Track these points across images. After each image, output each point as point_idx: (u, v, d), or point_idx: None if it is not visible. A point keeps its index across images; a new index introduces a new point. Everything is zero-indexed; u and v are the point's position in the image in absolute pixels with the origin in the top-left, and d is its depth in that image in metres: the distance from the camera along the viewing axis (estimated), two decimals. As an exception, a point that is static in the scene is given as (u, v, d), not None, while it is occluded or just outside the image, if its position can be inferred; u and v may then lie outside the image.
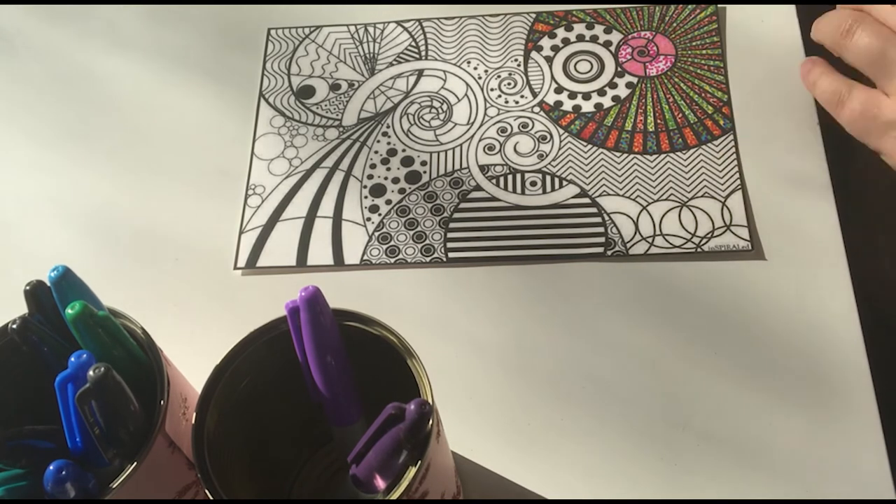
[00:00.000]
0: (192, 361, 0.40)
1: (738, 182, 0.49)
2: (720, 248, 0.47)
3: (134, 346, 0.36)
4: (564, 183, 0.50)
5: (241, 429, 0.37)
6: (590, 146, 0.51)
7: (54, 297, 0.35)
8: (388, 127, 0.54)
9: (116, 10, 0.61)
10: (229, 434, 0.35)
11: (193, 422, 0.34)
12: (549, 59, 0.55)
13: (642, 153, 0.51)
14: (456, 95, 0.54)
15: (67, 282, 0.35)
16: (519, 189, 0.50)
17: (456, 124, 0.53)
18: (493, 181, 0.51)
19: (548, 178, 0.50)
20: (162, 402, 0.34)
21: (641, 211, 0.49)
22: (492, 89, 0.54)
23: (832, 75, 0.47)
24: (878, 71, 0.44)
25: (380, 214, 0.50)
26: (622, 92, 0.53)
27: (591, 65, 0.55)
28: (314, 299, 0.33)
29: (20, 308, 0.36)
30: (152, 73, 0.58)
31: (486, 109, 0.54)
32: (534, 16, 0.57)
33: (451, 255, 0.49)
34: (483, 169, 0.51)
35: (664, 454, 0.42)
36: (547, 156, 0.51)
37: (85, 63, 0.59)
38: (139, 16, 0.61)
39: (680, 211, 0.48)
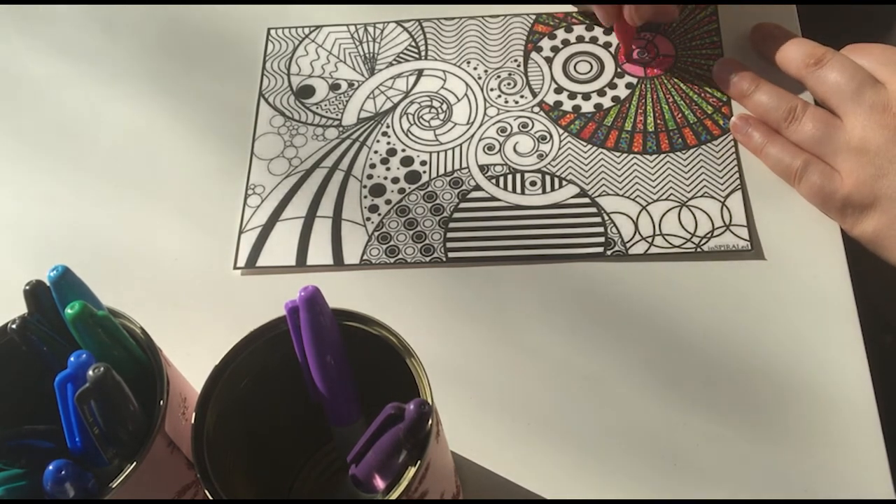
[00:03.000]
0: (192, 361, 0.40)
1: (738, 182, 0.49)
2: (720, 248, 0.47)
3: (134, 346, 0.36)
4: (564, 183, 0.50)
5: (240, 429, 0.37)
6: (589, 146, 0.51)
7: (54, 296, 0.35)
8: (387, 127, 0.54)
9: (116, 9, 0.61)
10: (229, 434, 0.35)
11: (193, 422, 0.34)
12: (549, 60, 0.55)
13: (642, 153, 0.51)
14: (456, 95, 0.54)
15: (67, 282, 0.35)
16: (519, 189, 0.50)
17: (456, 124, 0.53)
18: (493, 181, 0.51)
19: (547, 177, 0.50)
20: (161, 402, 0.34)
21: (641, 211, 0.49)
22: (491, 89, 0.54)
23: (779, 143, 0.48)
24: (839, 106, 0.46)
25: (379, 214, 0.50)
26: (622, 92, 0.53)
27: (591, 65, 0.55)
28: (314, 299, 0.33)
29: (20, 308, 0.36)
30: (152, 72, 0.58)
31: (485, 109, 0.54)
32: (534, 17, 0.57)
33: (450, 254, 0.49)
34: (483, 169, 0.51)
35: (664, 453, 0.42)
36: (547, 156, 0.51)
37: (84, 62, 0.59)
38: (139, 15, 0.61)
39: (679, 211, 0.48)
